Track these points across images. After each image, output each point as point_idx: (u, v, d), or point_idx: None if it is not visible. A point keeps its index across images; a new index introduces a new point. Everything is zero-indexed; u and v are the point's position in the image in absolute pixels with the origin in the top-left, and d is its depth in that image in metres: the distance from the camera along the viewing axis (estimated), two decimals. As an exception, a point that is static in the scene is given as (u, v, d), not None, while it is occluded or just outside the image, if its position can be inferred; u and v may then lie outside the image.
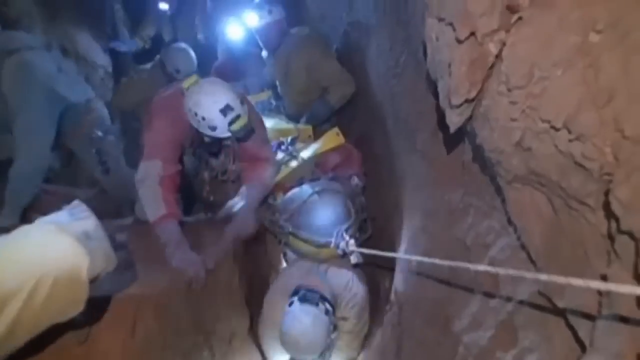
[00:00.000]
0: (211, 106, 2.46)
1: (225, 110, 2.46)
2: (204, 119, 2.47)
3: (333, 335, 2.35)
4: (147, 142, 2.57)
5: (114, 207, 3.32)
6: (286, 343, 2.27)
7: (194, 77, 2.61)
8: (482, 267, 1.40)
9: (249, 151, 2.86)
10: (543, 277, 1.08)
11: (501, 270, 1.23)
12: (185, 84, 2.57)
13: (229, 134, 2.52)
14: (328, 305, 2.32)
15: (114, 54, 5.19)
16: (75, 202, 1.52)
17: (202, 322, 2.27)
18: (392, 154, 2.82)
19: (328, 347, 2.30)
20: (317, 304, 2.29)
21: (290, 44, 3.62)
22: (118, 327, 1.69)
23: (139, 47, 5.40)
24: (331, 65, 3.55)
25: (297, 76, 3.63)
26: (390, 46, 2.54)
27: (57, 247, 1.31)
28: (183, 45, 4.20)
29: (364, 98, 3.29)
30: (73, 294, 1.32)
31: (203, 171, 3.01)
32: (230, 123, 2.47)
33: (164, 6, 5.27)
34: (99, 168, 3.42)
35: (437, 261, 1.34)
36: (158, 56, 4.28)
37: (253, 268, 2.88)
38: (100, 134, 3.38)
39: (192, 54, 4.12)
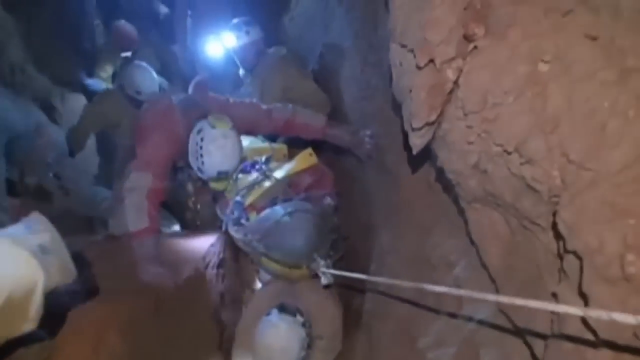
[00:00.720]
0: (215, 164, 2.67)
1: (222, 173, 2.68)
2: (202, 163, 2.64)
3: (304, 353, 2.36)
4: (142, 154, 2.59)
5: (84, 224, 3.29)
6: (259, 350, 2.28)
7: (224, 120, 2.71)
8: (444, 289, 1.42)
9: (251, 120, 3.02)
10: (503, 299, 1.12)
11: (463, 293, 1.27)
12: (214, 121, 2.66)
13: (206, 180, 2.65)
14: (305, 319, 2.34)
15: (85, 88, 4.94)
16: (34, 215, 1.49)
17: (171, 340, 2.25)
18: (364, 174, 2.87)
19: None
20: (294, 315, 2.34)
21: (267, 64, 3.66)
22: (80, 344, 1.67)
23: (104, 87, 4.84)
24: (307, 85, 3.60)
25: (273, 96, 3.66)
26: (362, 69, 2.61)
27: (10, 261, 1.28)
28: (141, 63, 4.08)
29: (339, 118, 3.34)
30: (27, 309, 1.29)
31: (186, 183, 3.02)
32: (216, 180, 2.65)
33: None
34: (59, 192, 3.39)
35: (402, 282, 1.37)
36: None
37: (227, 286, 2.88)
38: (52, 158, 3.35)
39: (152, 71, 4.04)
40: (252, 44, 3.58)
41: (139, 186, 2.48)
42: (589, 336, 0.99)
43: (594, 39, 1.10)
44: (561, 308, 0.93)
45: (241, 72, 3.93)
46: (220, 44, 4.07)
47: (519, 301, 0.91)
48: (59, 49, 4.72)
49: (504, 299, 1.03)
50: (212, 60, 4.44)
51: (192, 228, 3.37)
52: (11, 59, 3.92)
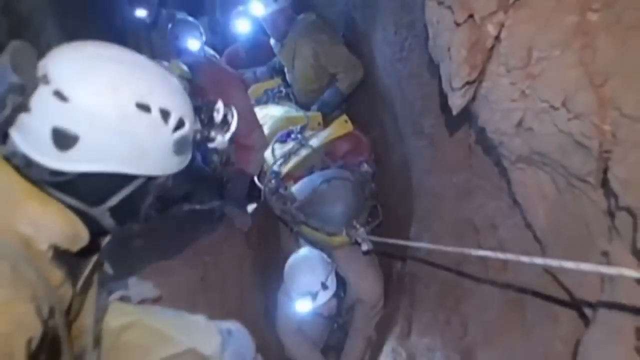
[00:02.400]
0: None
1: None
2: None
3: (331, 274, 2.42)
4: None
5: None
6: (289, 269, 2.42)
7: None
8: (487, 253, 1.42)
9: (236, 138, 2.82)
10: (553, 262, 1.10)
11: (510, 257, 1.24)
12: None
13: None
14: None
15: None
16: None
17: (217, 309, 2.32)
18: (401, 139, 2.83)
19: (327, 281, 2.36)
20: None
21: (297, 31, 3.61)
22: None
23: None
24: (339, 51, 3.54)
25: (304, 63, 3.64)
26: (395, 30, 2.54)
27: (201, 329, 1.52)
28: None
29: (372, 83, 3.29)
30: None
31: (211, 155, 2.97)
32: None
33: (140, 13, 4.50)
34: None
35: (443, 247, 1.37)
36: None
37: (267, 256, 2.93)
38: None
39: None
40: (280, 11, 3.53)
41: None
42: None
43: (649, -18, 1.04)
44: (614, 270, 0.90)
45: (272, 41, 3.90)
46: (249, 14, 4.02)
47: (568, 264, 0.89)
48: (92, 27, 4.76)
49: (553, 262, 1.01)
50: (243, 32, 4.39)
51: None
52: (48, 39, 3.99)
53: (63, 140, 0.91)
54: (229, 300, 2.42)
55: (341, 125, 3.11)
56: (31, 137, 0.92)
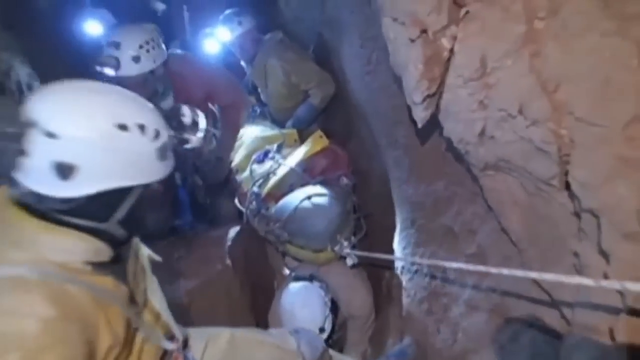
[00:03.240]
0: (112, 33, 2.57)
1: (111, 44, 2.46)
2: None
3: (329, 312, 2.37)
4: None
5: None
6: (285, 315, 2.36)
7: None
8: (462, 265, 1.43)
9: (226, 102, 2.97)
10: (532, 275, 1.11)
11: (492, 270, 1.25)
12: None
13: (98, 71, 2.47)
14: (320, 283, 2.43)
15: None
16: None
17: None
18: (378, 149, 2.85)
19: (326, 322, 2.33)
20: (310, 280, 2.45)
21: (265, 51, 3.61)
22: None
23: None
24: (308, 67, 3.55)
25: (277, 82, 3.64)
26: (361, 44, 2.56)
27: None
28: None
29: (345, 96, 3.31)
30: None
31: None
32: (101, 62, 2.44)
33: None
34: None
35: (421, 260, 1.37)
36: None
37: (256, 276, 2.91)
38: None
39: None
40: (246, 34, 3.53)
41: None
42: (615, 298, 0.98)
43: (590, -13, 1.06)
44: (605, 283, 0.90)
45: (242, 63, 3.91)
46: (215, 39, 4.01)
47: (548, 276, 0.89)
48: (63, 60, 4.73)
49: (533, 275, 1.03)
50: (212, 53, 4.38)
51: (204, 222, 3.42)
52: (17, 77, 3.96)
53: (63, 171, 1.01)
54: (219, 325, 2.41)
55: (317, 141, 3.11)
56: (35, 175, 1.02)
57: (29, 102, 1.03)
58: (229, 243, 2.79)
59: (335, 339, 2.65)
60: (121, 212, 1.14)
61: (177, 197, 3.36)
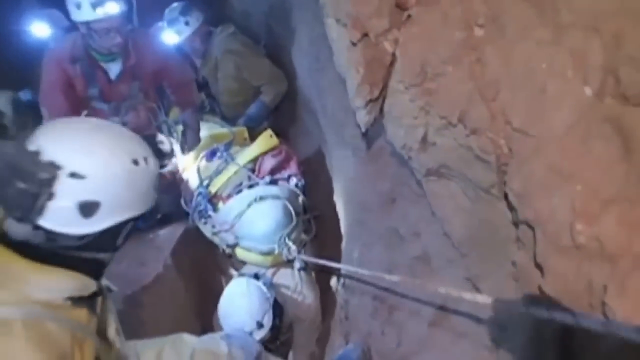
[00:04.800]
0: None
1: None
2: None
3: (269, 308, 2.32)
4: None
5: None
6: (224, 307, 2.28)
7: None
8: (404, 279, 1.42)
9: (173, 77, 2.93)
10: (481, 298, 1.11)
11: (442, 290, 1.25)
12: None
13: (94, 17, 2.38)
14: (264, 280, 2.36)
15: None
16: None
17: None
18: (328, 149, 2.82)
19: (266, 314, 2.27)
20: (255, 277, 2.37)
21: (216, 45, 3.53)
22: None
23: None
24: (260, 63, 3.49)
25: (227, 77, 3.55)
26: (310, 41, 2.52)
27: None
28: None
29: (296, 94, 3.26)
30: None
31: None
32: (95, 4, 2.34)
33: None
34: None
35: (366, 272, 1.35)
36: None
37: (203, 279, 2.83)
38: None
39: None
40: (195, 33, 3.43)
41: None
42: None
43: (527, -5, 1.05)
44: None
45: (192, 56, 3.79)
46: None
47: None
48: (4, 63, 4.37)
49: (482, 299, 1.00)
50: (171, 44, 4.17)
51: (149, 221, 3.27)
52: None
53: (88, 209, 1.06)
54: (164, 331, 2.32)
55: (266, 140, 3.04)
56: (58, 216, 1.04)
57: (40, 146, 1.04)
58: (173, 244, 2.68)
59: (282, 341, 2.61)
60: (120, 239, 1.21)
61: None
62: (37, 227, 1.05)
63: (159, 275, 2.42)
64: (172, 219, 3.12)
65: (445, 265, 1.64)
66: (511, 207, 1.11)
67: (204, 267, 2.91)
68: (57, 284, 1.10)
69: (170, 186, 3.19)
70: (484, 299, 0.91)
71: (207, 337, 1.87)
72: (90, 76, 2.65)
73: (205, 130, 3.41)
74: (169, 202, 3.21)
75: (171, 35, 3.40)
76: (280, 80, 3.45)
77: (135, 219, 1.19)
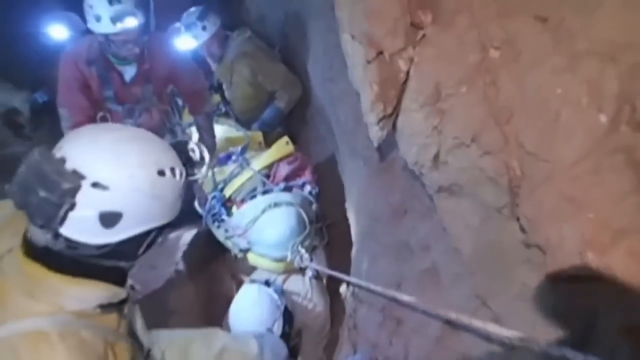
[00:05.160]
0: None
1: (112, 0, 2.38)
2: (91, 7, 2.41)
3: (280, 316, 2.33)
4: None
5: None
6: (235, 314, 2.30)
7: None
8: (413, 302, 1.42)
9: (187, 85, 2.92)
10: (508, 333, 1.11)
11: (452, 316, 1.25)
12: None
13: (113, 30, 2.42)
14: (275, 287, 2.37)
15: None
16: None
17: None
18: (340, 157, 2.83)
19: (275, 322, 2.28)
20: (266, 284, 2.39)
21: (232, 49, 3.55)
22: None
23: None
24: (276, 68, 3.50)
25: (242, 81, 3.57)
26: (324, 51, 2.53)
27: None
28: None
29: (309, 100, 3.27)
30: None
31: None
32: (115, 19, 2.39)
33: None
34: None
35: (373, 287, 1.36)
36: None
37: (213, 283, 2.85)
38: None
39: None
40: (212, 38, 3.45)
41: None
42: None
43: (544, 20, 1.05)
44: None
45: (209, 60, 3.82)
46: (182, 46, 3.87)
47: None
48: (22, 65, 4.42)
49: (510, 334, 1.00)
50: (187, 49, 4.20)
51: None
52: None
53: (109, 220, 1.05)
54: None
55: (282, 147, 3.05)
56: (79, 225, 1.04)
57: (66, 152, 1.04)
58: (184, 248, 2.71)
59: (291, 347, 2.63)
60: (142, 249, 1.20)
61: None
62: (58, 235, 1.05)
63: (169, 279, 2.44)
64: (184, 221, 3.16)
65: (454, 281, 1.64)
66: (522, 229, 1.11)
67: (215, 271, 2.93)
68: (90, 294, 1.11)
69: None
70: (512, 333, 0.88)
71: (240, 335, 1.91)
72: (106, 78, 2.69)
73: (221, 133, 3.43)
74: (183, 204, 3.24)
75: (188, 40, 3.42)
76: (295, 85, 3.46)
77: (159, 229, 1.18)
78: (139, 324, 1.38)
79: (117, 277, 1.19)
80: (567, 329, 0.94)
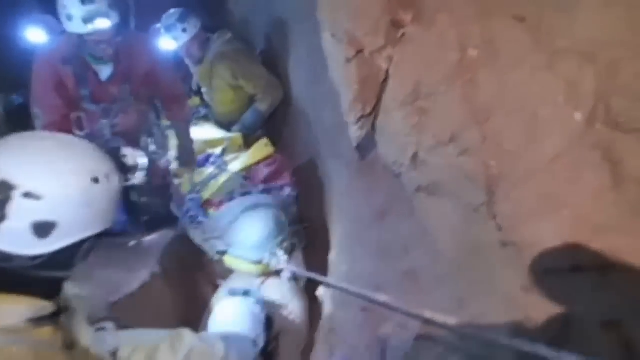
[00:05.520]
0: None
1: (85, 0, 2.34)
2: (64, 7, 2.38)
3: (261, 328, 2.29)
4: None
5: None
6: (214, 329, 2.24)
7: None
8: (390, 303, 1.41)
9: (165, 89, 2.90)
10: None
11: (450, 321, 1.24)
12: None
13: (84, 30, 2.40)
14: (255, 297, 2.31)
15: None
16: None
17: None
18: (321, 159, 2.82)
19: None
20: (245, 294, 2.30)
21: (212, 51, 3.52)
22: None
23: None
24: (257, 71, 3.47)
25: (223, 83, 3.54)
26: (308, 53, 2.52)
27: None
28: None
29: (291, 102, 3.26)
30: None
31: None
32: (86, 19, 2.36)
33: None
34: None
35: (351, 290, 1.35)
36: None
37: (190, 286, 2.80)
38: None
39: None
40: (192, 40, 3.41)
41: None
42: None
43: (522, 20, 1.06)
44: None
45: (187, 62, 3.79)
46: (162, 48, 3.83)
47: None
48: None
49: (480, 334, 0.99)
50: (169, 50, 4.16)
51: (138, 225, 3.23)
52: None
53: (43, 230, 1.02)
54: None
55: (261, 149, 3.03)
56: (11, 237, 1.00)
57: None
58: (161, 251, 2.66)
59: (268, 351, 2.59)
60: (78, 258, 1.16)
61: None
62: None
63: (145, 283, 2.39)
64: (161, 223, 3.11)
65: (434, 283, 1.63)
66: (499, 227, 1.11)
67: (192, 274, 2.87)
68: (15, 310, 1.07)
69: (160, 190, 3.19)
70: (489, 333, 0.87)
71: (207, 336, 1.86)
72: (82, 77, 2.64)
73: (200, 136, 3.39)
74: (159, 205, 3.19)
75: (168, 42, 3.39)
76: (276, 88, 3.44)
77: (95, 236, 1.15)
78: (85, 332, 1.32)
79: (52, 288, 1.15)
80: (546, 326, 0.94)
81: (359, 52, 1.24)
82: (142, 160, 1.68)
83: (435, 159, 1.23)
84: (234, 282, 2.58)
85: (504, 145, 1.03)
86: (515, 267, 1.07)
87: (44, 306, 1.12)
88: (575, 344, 0.89)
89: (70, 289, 1.31)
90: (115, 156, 1.37)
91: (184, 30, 3.34)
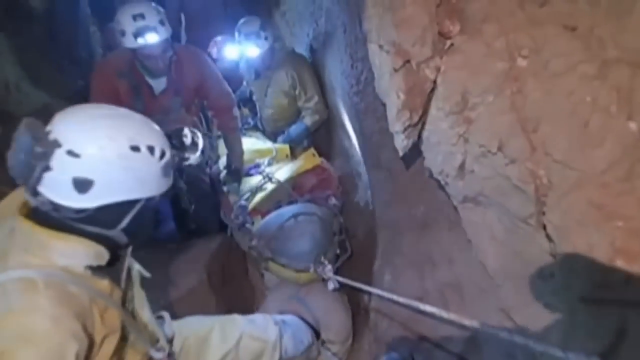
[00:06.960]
0: (126, 10, 2.54)
1: (136, 17, 2.50)
2: (117, 22, 2.54)
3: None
4: None
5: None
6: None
7: None
8: (438, 311, 1.41)
9: (215, 101, 3.04)
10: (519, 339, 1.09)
11: (475, 324, 1.23)
12: None
13: (136, 45, 2.54)
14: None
15: None
16: None
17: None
18: (363, 170, 2.84)
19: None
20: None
21: (278, 60, 3.55)
22: None
23: None
24: (314, 87, 3.48)
25: (278, 91, 3.59)
26: (352, 64, 2.55)
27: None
28: None
29: (334, 114, 3.30)
30: None
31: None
32: (136, 34, 2.50)
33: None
34: None
35: (397, 298, 1.36)
36: None
37: (234, 293, 2.86)
38: None
39: None
40: (270, 47, 3.48)
41: None
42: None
43: (573, 29, 1.05)
44: None
45: (242, 69, 3.88)
46: (237, 54, 3.93)
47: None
48: (54, 62, 4.65)
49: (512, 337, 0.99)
50: (232, 59, 4.27)
51: (187, 232, 3.34)
52: (5, 76, 3.92)
53: (82, 186, 1.15)
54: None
55: (309, 159, 3.09)
56: (56, 188, 1.15)
57: (53, 123, 1.16)
58: (208, 257, 2.73)
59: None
60: (126, 221, 1.26)
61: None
62: (37, 193, 1.15)
63: (191, 288, 2.46)
64: (208, 230, 3.20)
65: (478, 294, 1.62)
66: (550, 239, 1.10)
67: (237, 281, 2.94)
68: (73, 250, 1.20)
69: (209, 197, 3.29)
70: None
71: (261, 319, 1.91)
72: (136, 90, 2.78)
73: (249, 145, 3.48)
74: (208, 212, 3.29)
75: (251, 48, 3.43)
76: (325, 109, 3.49)
77: (144, 205, 1.26)
78: (142, 304, 1.46)
79: (107, 246, 1.26)
80: (596, 339, 0.92)
81: (406, 62, 1.26)
82: (200, 141, 1.80)
83: (482, 169, 1.22)
84: (279, 291, 2.62)
85: (554, 154, 1.02)
86: (566, 277, 1.05)
87: (100, 252, 1.25)
88: (627, 358, 0.87)
89: (135, 264, 1.48)
90: (177, 135, 1.50)
91: (266, 39, 3.41)
